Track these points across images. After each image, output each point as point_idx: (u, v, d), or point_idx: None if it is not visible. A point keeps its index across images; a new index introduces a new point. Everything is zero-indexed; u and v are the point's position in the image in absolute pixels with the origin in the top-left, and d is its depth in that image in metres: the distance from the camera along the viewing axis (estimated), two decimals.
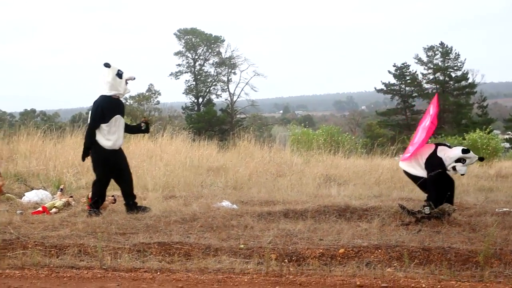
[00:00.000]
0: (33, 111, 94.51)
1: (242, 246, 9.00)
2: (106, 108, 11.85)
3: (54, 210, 12.12)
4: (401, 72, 77.10)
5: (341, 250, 8.74)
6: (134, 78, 12.18)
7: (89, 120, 12.17)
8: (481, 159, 12.27)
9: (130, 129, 12.81)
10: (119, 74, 11.91)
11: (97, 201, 11.89)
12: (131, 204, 12.00)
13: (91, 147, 12.02)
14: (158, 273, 7.76)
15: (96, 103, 11.92)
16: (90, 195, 12.48)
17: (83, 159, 12.39)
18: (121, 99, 12.30)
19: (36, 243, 9.00)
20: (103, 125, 11.79)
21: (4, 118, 74.85)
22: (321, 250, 8.74)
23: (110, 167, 12.00)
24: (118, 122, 12.01)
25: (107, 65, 11.89)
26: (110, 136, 11.85)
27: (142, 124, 12.71)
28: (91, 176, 16.28)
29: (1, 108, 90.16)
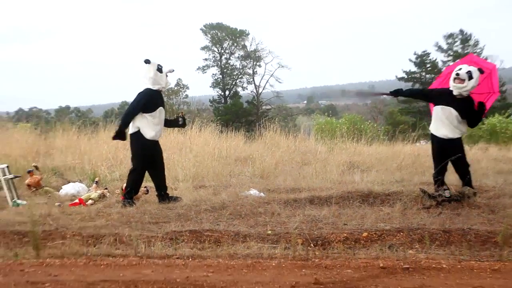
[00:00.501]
0: (68, 107, 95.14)
1: (269, 232, 9.05)
2: (151, 100, 11.92)
3: (90, 201, 12.23)
4: (421, 60, 76.60)
5: (365, 234, 8.77)
6: (173, 71, 12.26)
7: (129, 106, 12.17)
8: (480, 70, 12.00)
9: (168, 123, 12.74)
10: (159, 69, 11.98)
11: (130, 191, 11.97)
12: (163, 194, 12.09)
13: (125, 129, 12.07)
14: (190, 259, 7.82)
15: (141, 93, 11.94)
16: (124, 186, 12.58)
17: (114, 138, 12.18)
18: (162, 92, 12.37)
19: (74, 233, 9.10)
20: (148, 116, 11.85)
21: (40, 115, 75.29)
22: (345, 234, 8.77)
23: (149, 157, 12.07)
24: (162, 114, 12.12)
25: (147, 62, 11.94)
26: (155, 127, 11.92)
27: (180, 119, 12.77)
28: (124, 169, 16.43)
29: (37, 105, 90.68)
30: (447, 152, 11.78)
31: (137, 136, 11.93)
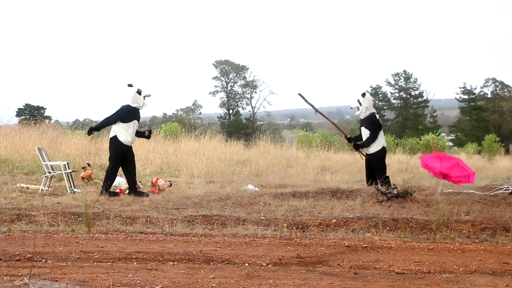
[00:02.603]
0: None
1: (262, 217, 9.01)
2: (129, 113, 11.81)
3: (127, 191, 12.16)
4: (375, 91, 76.73)
5: (334, 220, 8.74)
6: (150, 95, 12.09)
7: (111, 115, 11.94)
8: (362, 94, 12.46)
9: (138, 134, 12.46)
10: (139, 92, 11.87)
11: (109, 184, 11.81)
12: (133, 188, 11.96)
13: (98, 129, 12.27)
14: (203, 237, 7.77)
15: (123, 107, 11.84)
16: (153, 180, 12.49)
17: (89, 134, 12.37)
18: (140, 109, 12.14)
19: (115, 215, 9.05)
20: (124, 125, 11.76)
21: (89, 122, 75.20)
22: (319, 221, 8.74)
23: (122, 158, 11.92)
24: (135, 126, 11.97)
25: (130, 85, 11.87)
26: (128, 134, 11.80)
27: (146, 132, 12.62)
28: (154, 167, 16.41)
29: (89, 117, 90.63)
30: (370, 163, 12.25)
31: (114, 139, 11.84)
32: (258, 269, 5.94)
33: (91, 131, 12.17)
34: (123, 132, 11.80)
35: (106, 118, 12.10)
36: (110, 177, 11.91)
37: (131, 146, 12.11)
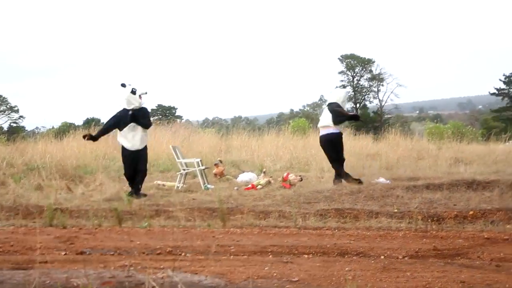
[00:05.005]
0: (240, 117, 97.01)
1: (396, 210, 8.88)
2: (121, 119, 11.63)
3: (259, 186, 12.37)
4: (509, 79, 73.42)
5: (471, 212, 8.48)
6: (146, 93, 11.82)
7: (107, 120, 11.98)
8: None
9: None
10: (133, 92, 11.58)
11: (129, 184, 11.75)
12: (136, 190, 11.59)
13: (96, 138, 12.00)
14: (336, 230, 7.77)
15: (115, 114, 11.72)
16: (284, 175, 12.61)
17: (84, 137, 12.05)
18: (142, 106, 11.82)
19: (249, 209, 9.23)
20: (121, 132, 11.61)
21: (221, 123, 77.39)
22: (455, 213, 8.51)
23: (129, 164, 11.73)
24: (136, 128, 11.67)
25: (123, 85, 11.63)
26: (127, 140, 11.64)
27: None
28: (284, 162, 16.54)
29: (218, 115, 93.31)
30: None
31: (121, 146, 11.80)
32: (394, 261, 5.86)
33: (91, 138, 12.01)
34: (123, 139, 11.71)
35: (104, 124, 12.13)
36: (127, 179, 11.91)
37: (139, 150, 11.79)
